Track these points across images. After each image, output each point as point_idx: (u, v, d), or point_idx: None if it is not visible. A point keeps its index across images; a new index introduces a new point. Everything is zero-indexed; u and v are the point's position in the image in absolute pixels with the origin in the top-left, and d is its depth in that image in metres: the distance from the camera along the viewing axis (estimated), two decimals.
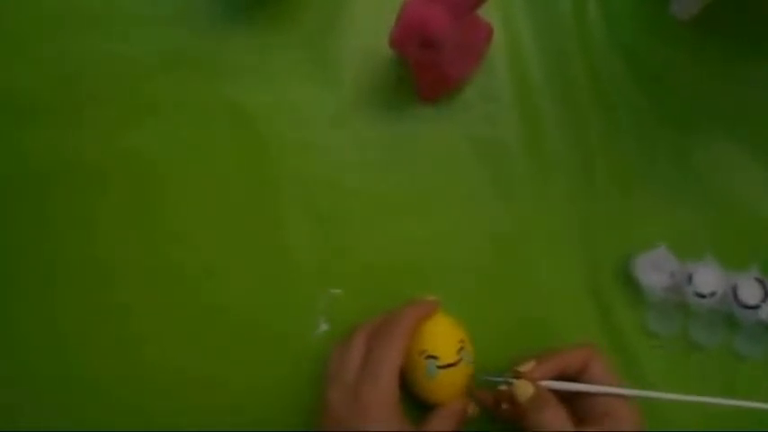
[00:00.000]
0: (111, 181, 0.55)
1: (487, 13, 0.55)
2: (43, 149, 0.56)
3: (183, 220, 0.55)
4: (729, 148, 0.55)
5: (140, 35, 0.58)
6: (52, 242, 0.54)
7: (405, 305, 0.48)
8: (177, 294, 0.53)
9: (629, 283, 0.52)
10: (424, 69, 0.53)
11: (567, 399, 0.45)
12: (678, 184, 0.55)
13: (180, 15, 0.58)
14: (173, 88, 0.57)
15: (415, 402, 0.48)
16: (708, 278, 0.50)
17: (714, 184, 0.55)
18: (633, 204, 0.54)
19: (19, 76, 0.57)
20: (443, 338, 0.47)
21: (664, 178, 0.55)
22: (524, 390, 0.44)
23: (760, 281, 0.50)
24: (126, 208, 0.55)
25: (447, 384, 0.46)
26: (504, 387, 0.45)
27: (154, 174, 0.56)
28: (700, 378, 0.51)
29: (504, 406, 0.46)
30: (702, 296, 0.50)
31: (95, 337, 0.52)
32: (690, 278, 0.50)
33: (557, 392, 0.44)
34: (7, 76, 0.58)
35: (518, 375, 0.45)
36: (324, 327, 0.52)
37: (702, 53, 0.57)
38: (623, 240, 0.53)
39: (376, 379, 0.43)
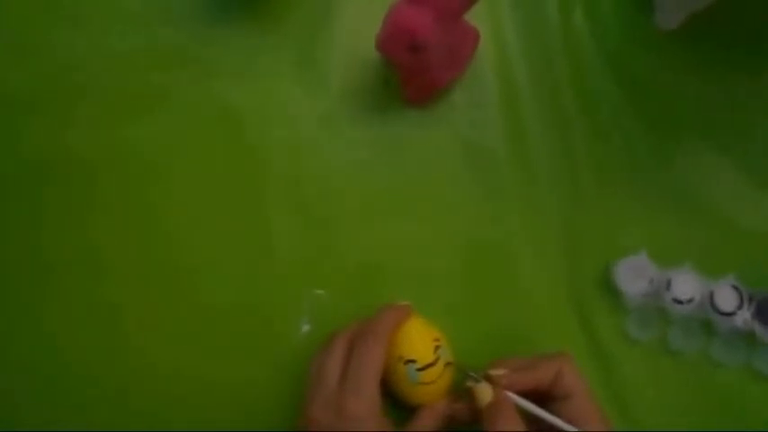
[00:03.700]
0: (102, 178, 0.56)
1: (474, 18, 0.54)
2: (34, 145, 0.56)
3: (171, 217, 0.55)
4: (711, 156, 0.56)
5: (132, 33, 0.58)
6: (43, 238, 0.54)
7: (379, 311, 0.48)
8: (164, 291, 0.54)
9: (610, 289, 0.53)
10: (411, 73, 0.53)
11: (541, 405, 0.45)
12: (660, 190, 0.55)
13: (171, 15, 0.59)
14: (163, 86, 0.57)
15: (398, 404, 0.48)
16: (686, 285, 0.50)
17: (695, 191, 0.55)
18: (615, 210, 0.55)
19: (11, 71, 0.57)
20: (418, 341, 0.47)
21: (646, 184, 0.55)
22: (484, 394, 0.44)
23: (736, 288, 0.50)
24: (115, 205, 0.55)
25: (430, 385, 0.47)
26: (470, 384, 0.45)
27: (143, 171, 0.56)
28: (677, 384, 0.51)
29: (460, 405, 0.46)
30: (680, 302, 0.50)
31: (86, 335, 0.53)
32: (668, 284, 0.51)
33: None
34: (0, 70, 0.58)
35: (488, 378, 0.45)
36: (306, 327, 0.53)
37: (686, 62, 0.57)
38: (605, 246, 0.54)
39: (358, 390, 0.43)
